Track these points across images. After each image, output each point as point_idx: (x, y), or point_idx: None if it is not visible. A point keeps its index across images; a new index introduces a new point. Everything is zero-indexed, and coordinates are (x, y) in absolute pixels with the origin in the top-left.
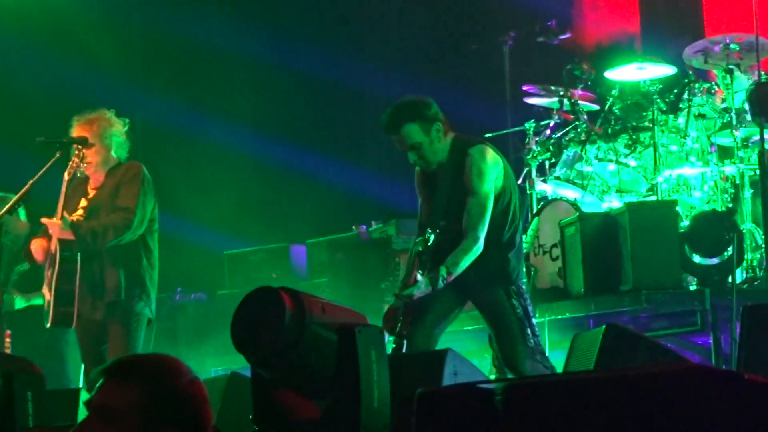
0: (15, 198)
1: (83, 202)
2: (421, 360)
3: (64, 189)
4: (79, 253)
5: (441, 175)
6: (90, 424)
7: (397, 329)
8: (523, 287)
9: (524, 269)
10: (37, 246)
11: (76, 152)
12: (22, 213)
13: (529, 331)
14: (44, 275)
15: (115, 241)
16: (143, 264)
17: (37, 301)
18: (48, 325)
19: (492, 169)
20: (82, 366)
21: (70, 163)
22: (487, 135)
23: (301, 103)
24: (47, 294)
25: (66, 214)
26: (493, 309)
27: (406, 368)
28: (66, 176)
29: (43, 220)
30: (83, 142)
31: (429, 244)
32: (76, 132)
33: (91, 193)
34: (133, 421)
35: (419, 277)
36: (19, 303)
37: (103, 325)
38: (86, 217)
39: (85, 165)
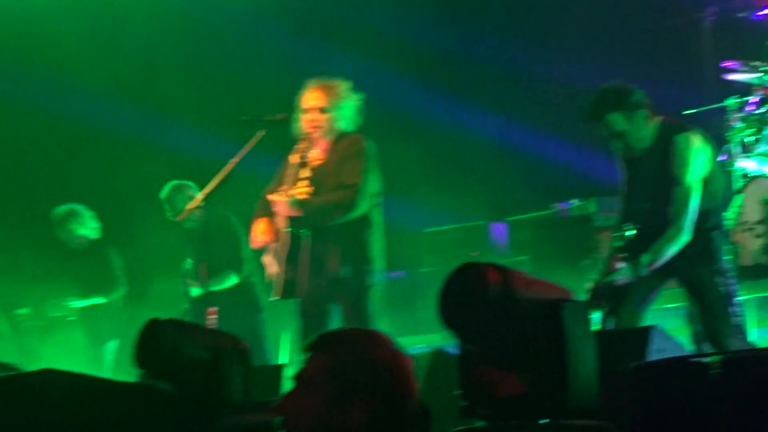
0: (218, 177)
1: (304, 173)
2: (627, 336)
3: (289, 171)
4: (303, 231)
5: (646, 159)
6: (290, 394)
7: (603, 313)
8: (727, 266)
9: (727, 248)
10: (261, 226)
11: (305, 137)
12: (195, 190)
13: (732, 310)
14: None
15: (341, 219)
16: (367, 238)
17: (217, 286)
18: (273, 297)
19: (697, 157)
20: (290, 341)
21: (298, 147)
22: (685, 112)
23: (495, 84)
24: (271, 266)
25: (292, 192)
26: (698, 287)
27: (612, 344)
28: (292, 160)
29: (270, 197)
30: (285, 122)
31: (627, 239)
32: (308, 96)
33: (314, 164)
34: (324, 389)
35: (619, 265)
36: (195, 291)
37: (329, 300)
38: (314, 192)
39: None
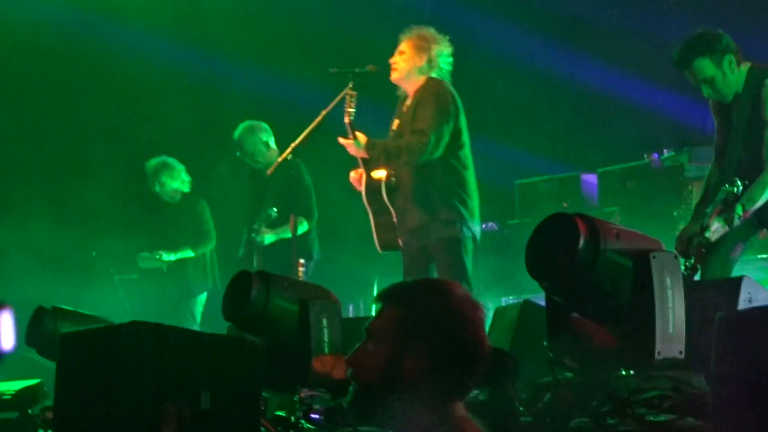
0: (308, 129)
1: (395, 124)
2: (716, 286)
3: (350, 133)
4: (383, 187)
5: (737, 106)
6: (360, 347)
7: (691, 261)
8: None
9: None
10: (354, 174)
11: (348, 97)
12: (272, 140)
13: None
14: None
15: (408, 162)
16: (450, 187)
17: (286, 235)
18: (379, 251)
19: None
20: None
21: (345, 112)
22: None
23: (591, 32)
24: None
25: (359, 134)
26: None
27: (701, 294)
28: (346, 120)
29: (340, 140)
30: (376, 74)
31: (736, 192)
32: (400, 46)
33: (402, 112)
34: (386, 338)
35: (714, 222)
36: (269, 239)
37: (424, 251)
38: (395, 137)
39: (353, 110)
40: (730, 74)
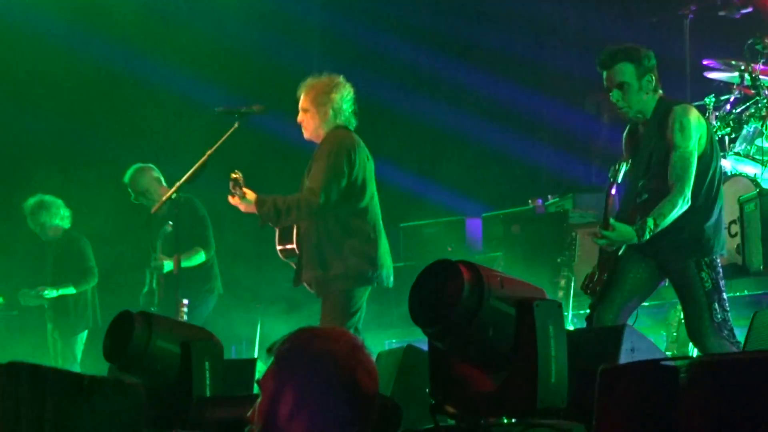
0: (193, 168)
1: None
2: (599, 335)
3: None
4: (294, 232)
5: (644, 134)
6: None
7: (590, 284)
8: (717, 260)
9: (722, 241)
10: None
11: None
12: (162, 178)
13: (717, 306)
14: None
15: (297, 219)
16: (343, 243)
17: (186, 263)
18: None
19: (696, 127)
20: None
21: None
22: None
23: (480, 77)
24: None
25: (248, 191)
26: (682, 280)
27: (583, 343)
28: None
29: (229, 199)
30: (263, 112)
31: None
32: (301, 103)
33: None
34: (266, 388)
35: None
36: (167, 266)
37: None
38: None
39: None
40: (645, 93)
